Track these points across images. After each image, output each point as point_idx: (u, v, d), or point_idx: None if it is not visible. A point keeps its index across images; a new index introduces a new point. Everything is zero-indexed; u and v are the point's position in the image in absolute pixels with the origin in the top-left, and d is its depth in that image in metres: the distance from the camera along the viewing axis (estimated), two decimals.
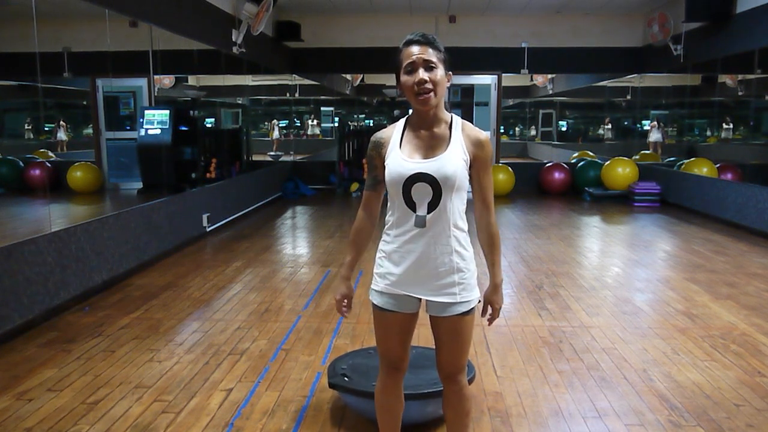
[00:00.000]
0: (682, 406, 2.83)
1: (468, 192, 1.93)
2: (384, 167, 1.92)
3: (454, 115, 1.94)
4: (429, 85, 1.81)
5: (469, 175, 1.90)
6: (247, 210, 8.41)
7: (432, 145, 1.88)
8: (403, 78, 1.84)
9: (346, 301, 2.06)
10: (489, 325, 2.07)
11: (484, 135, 1.92)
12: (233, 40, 7.73)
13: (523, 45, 10.44)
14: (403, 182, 1.86)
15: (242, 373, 3.21)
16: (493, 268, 1.98)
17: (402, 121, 1.97)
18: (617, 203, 9.56)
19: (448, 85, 1.89)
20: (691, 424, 2.67)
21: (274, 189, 10.00)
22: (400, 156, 1.88)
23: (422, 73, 1.81)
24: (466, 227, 1.94)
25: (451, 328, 1.95)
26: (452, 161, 1.85)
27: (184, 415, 2.75)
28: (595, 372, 3.22)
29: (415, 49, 1.82)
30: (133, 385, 3.04)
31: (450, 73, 1.89)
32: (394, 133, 1.95)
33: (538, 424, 2.68)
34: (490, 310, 2.03)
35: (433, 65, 1.82)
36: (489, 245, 1.97)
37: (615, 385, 3.05)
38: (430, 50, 1.83)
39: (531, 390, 3.01)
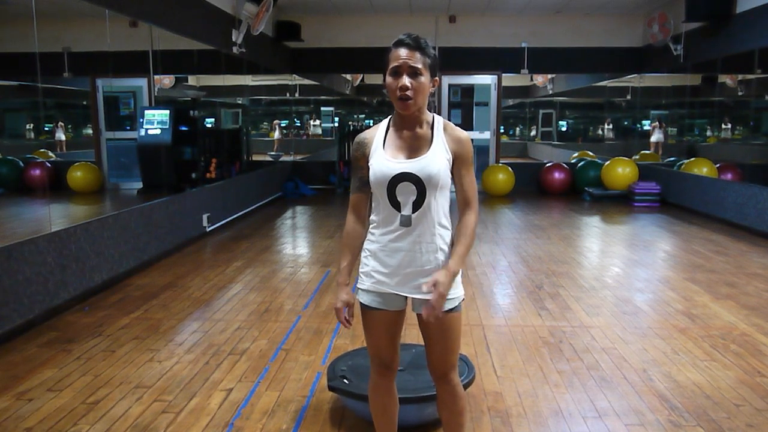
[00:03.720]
0: (682, 406, 2.83)
1: (452, 192, 1.94)
2: (369, 168, 1.93)
3: (435, 116, 1.95)
4: (410, 92, 1.82)
5: (452, 174, 1.92)
6: (247, 210, 8.41)
7: (415, 145, 1.90)
8: (388, 79, 1.85)
9: (347, 309, 2.01)
10: (424, 317, 1.84)
11: (465, 134, 1.94)
12: (233, 40, 7.73)
13: (523, 45, 10.44)
14: (388, 182, 1.87)
15: (242, 373, 3.21)
16: (454, 256, 1.86)
17: (385, 121, 1.98)
18: (617, 203, 9.56)
19: (433, 90, 1.90)
20: (691, 424, 2.67)
21: (274, 189, 9.99)
22: (383, 156, 1.90)
23: (405, 80, 1.81)
24: (450, 225, 1.96)
25: (439, 326, 1.95)
26: (435, 161, 1.87)
27: (184, 415, 2.75)
28: (595, 372, 3.22)
29: (402, 53, 1.82)
30: (133, 385, 3.05)
31: (437, 78, 1.89)
32: (377, 133, 1.96)
33: (538, 424, 2.69)
34: (432, 293, 1.82)
35: (418, 71, 1.82)
36: (459, 234, 1.90)
37: (615, 385, 3.06)
38: (418, 55, 1.82)
39: (531, 390, 3.01)
